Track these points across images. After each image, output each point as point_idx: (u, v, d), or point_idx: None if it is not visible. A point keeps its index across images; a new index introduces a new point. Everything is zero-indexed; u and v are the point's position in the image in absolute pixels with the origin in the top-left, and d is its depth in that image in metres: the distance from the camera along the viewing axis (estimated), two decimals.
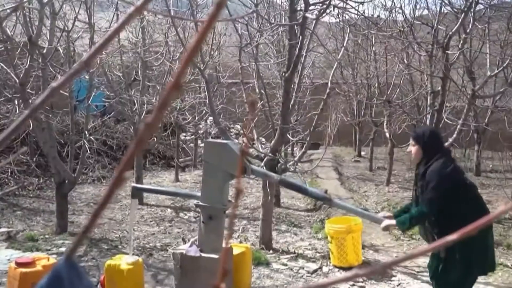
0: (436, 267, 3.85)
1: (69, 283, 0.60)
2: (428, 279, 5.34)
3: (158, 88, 9.62)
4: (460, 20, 7.25)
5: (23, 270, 4.22)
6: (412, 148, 4.00)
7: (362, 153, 15.19)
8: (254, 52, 7.13)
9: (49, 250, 6.10)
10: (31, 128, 6.29)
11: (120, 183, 0.50)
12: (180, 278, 4.57)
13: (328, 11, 6.27)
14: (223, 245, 4.57)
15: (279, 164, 6.43)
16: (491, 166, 13.02)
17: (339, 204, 4.82)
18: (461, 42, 7.86)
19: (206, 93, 6.93)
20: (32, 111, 0.74)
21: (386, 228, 4.14)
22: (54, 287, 0.59)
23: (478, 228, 0.63)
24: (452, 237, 0.63)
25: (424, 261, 5.67)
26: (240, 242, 6.29)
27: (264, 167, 6.35)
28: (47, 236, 6.81)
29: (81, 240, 0.57)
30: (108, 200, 0.51)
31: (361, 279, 5.40)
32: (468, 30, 7.84)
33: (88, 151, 8.57)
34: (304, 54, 6.74)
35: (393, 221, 4.02)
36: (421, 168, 3.91)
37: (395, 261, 0.60)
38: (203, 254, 4.49)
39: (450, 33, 7.46)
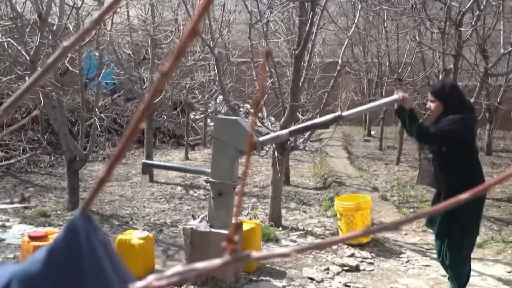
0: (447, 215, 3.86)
1: (85, 235, 0.61)
2: (436, 256, 5.38)
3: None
4: None
5: (36, 243, 4.29)
6: (432, 104, 3.85)
7: (372, 132, 15.13)
8: (264, 29, 7.08)
9: (61, 225, 6.19)
10: (42, 105, 6.32)
11: (137, 130, 0.50)
12: (190, 253, 4.63)
13: None
14: (233, 220, 4.60)
15: (288, 142, 6.43)
16: (502, 145, 12.94)
17: (350, 113, 4.60)
18: (475, 19, 7.74)
19: (216, 71, 6.91)
20: (45, 70, 0.74)
21: (403, 98, 3.91)
22: (70, 238, 0.60)
23: (489, 187, 0.64)
24: (464, 196, 0.63)
25: (432, 238, 5.70)
26: (250, 219, 6.33)
27: (274, 145, 6.35)
28: (59, 212, 6.90)
29: (97, 193, 0.58)
30: (125, 149, 0.52)
31: (370, 256, 5.44)
32: (482, 7, 7.71)
33: (99, 129, 8.61)
34: (315, 31, 6.68)
35: (409, 102, 3.90)
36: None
37: (406, 219, 0.60)
38: (213, 230, 4.54)
39: (464, 10, 7.33)
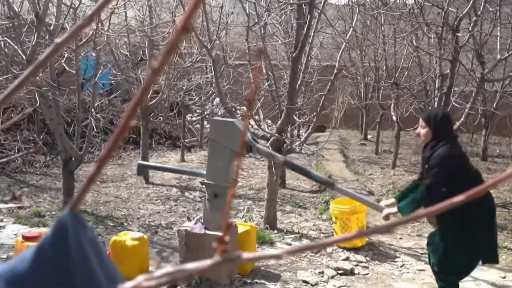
0: (441, 251, 3.85)
1: (73, 233, 0.60)
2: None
3: (165, 67, 9.58)
4: (471, 2, 7.15)
5: (30, 243, 4.26)
6: (422, 130, 3.92)
7: (369, 136, 15.14)
8: (262, 32, 7.08)
9: None
10: (38, 105, 6.30)
11: (128, 127, 0.50)
12: (185, 255, 4.62)
13: None
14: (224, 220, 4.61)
15: (285, 145, 6.43)
16: (498, 151, 12.97)
17: (341, 189, 4.83)
18: (472, 24, 7.76)
19: (213, 73, 6.90)
20: (37, 66, 0.73)
21: (387, 217, 4.12)
22: (59, 236, 0.59)
23: (484, 189, 0.63)
24: (459, 198, 0.62)
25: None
26: (245, 221, 6.32)
27: (270, 147, 6.35)
28: (53, 212, 6.87)
29: (86, 191, 0.57)
30: (115, 147, 0.51)
31: (364, 260, 5.43)
32: (479, 13, 7.73)
33: (95, 129, 8.58)
34: (312, 34, 6.68)
35: (394, 209, 4.02)
36: (428, 151, 3.86)
37: (399, 222, 0.60)
38: (207, 232, 4.53)
39: (461, 15, 7.35)
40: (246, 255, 0.56)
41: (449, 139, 3.83)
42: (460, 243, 3.74)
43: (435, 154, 3.77)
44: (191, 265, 0.57)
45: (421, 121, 3.98)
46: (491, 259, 3.96)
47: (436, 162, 3.74)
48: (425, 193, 3.74)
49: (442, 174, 3.71)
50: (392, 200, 4.33)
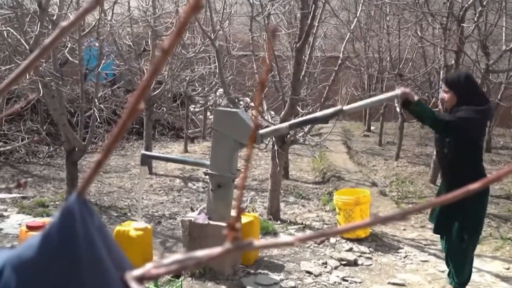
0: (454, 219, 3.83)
1: (81, 219, 0.59)
2: (435, 251, 5.38)
3: (169, 58, 9.55)
4: None
5: (34, 233, 4.26)
6: (445, 95, 3.80)
7: (372, 127, 15.09)
8: (266, 22, 7.04)
9: None
10: (41, 95, 6.29)
11: (136, 110, 0.48)
12: (188, 245, 4.62)
13: None
14: (234, 209, 4.59)
15: (288, 136, 6.41)
16: (502, 143, 12.92)
17: (351, 108, 4.55)
18: (477, 15, 7.71)
19: (217, 64, 6.88)
20: (43, 50, 0.72)
21: (405, 93, 3.83)
22: (66, 223, 0.58)
23: (498, 178, 0.62)
24: (474, 186, 0.61)
25: (431, 234, 5.70)
26: (248, 212, 6.32)
27: (274, 138, 6.34)
28: (57, 202, 6.89)
29: (93, 176, 0.56)
30: (123, 130, 0.50)
31: (368, 250, 5.43)
32: (484, 3, 7.67)
33: (98, 120, 8.58)
34: (316, 24, 6.64)
35: (413, 95, 3.83)
36: (453, 115, 3.76)
37: (414, 209, 0.58)
38: (211, 222, 4.53)
39: (466, 5, 7.30)
40: (257, 242, 0.55)
41: (475, 101, 3.70)
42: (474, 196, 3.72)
43: (459, 112, 3.68)
44: (200, 253, 0.56)
45: (443, 86, 3.87)
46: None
47: (459, 113, 3.65)
48: (445, 123, 3.66)
49: (471, 118, 3.62)
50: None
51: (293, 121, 4.83)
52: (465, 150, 3.74)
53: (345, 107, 4.42)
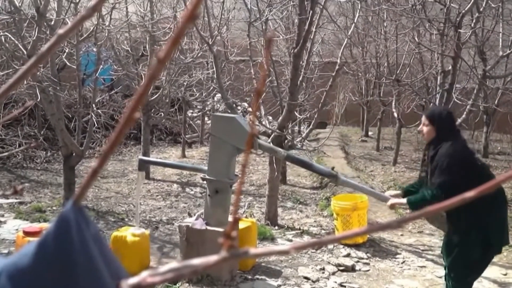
0: (454, 246, 3.79)
1: (76, 227, 0.59)
2: (432, 257, 5.38)
3: (167, 63, 9.55)
4: None
5: (31, 239, 4.25)
6: (424, 128, 3.85)
7: (370, 133, 15.12)
8: (263, 28, 7.06)
9: None
10: (38, 100, 6.28)
11: (133, 118, 0.48)
12: (186, 250, 4.61)
13: None
14: (230, 216, 4.58)
15: (286, 141, 6.41)
16: (499, 148, 12.95)
17: (345, 181, 4.79)
18: (474, 21, 7.73)
19: (214, 69, 6.88)
20: (39, 57, 0.72)
21: (393, 207, 4.10)
22: (62, 231, 0.58)
23: (494, 186, 0.62)
24: (470, 194, 0.61)
25: (429, 239, 5.71)
26: (246, 217, 6.31)
27: (271, 143, 6.33)
28: (54, 207, 6.87)
29: (89, 184, 0.56)
30: (119, 138, 0.50)
31: (365, 256, 5.43)
32: (481, 9, 7.70)
33: (96, 125, 8.57)
34: (314, 30, 6.66)
35: (401, 200, 3.95)
36: (431, 150, 3.78)
37: (410, 217, 0.58)
38: (209, 227, 4.52)
39: (463, 11, 7.33)
40: (253, 250, 0.55)
41: (453, 137, 3.78)
42: (472, 237, 3.66)
43: (440, 153, 3.71)
44: (197, 261, 0.56)
45: (424, 119, 3.91)
46: (501, 247, 3.90)
47: (443, 161, 3.67)
48: (440, 190, 3.65)
49: (451, 170, 3.64)
50: (398, 192, 4.28)
51: (292, 155, 5.05)
52: (466, 184, 3.71)
53: (340, 177, 4.72)
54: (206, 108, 12.67)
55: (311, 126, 6.92)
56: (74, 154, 6.74)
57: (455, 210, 3.62)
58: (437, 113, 3.90)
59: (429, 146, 3.87)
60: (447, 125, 3.80)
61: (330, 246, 5.62)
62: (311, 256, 5.41)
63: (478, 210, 3.56)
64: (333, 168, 5.24)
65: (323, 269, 5.05)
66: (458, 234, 3.73)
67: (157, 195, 8.02)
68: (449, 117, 3.91)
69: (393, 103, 11.06)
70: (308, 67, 7.52)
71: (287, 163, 9.68)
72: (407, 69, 10.63)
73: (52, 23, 6.25)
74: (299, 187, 9.06)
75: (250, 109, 13.41)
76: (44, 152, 10.13)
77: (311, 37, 6.63)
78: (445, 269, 3.98)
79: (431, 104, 8.66)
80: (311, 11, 5.78)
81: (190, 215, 6.34)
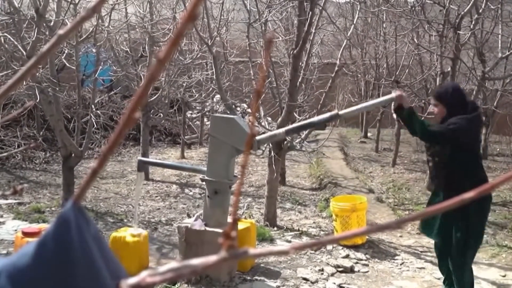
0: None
1: (76, 227, 0.59)
2: (431, 258, 5.38)
3: (166, 64, 9.55)
4: (472, 0, 7.13)
5: (30, 239, 4.25)
6: (435, 108, 3.80)
7: (369, 134, 15.12)
8: (263, 29, 7.06)
9: None
10: (38, 101, 6.28)
11: (132, 119, 0.48)
12: (185, 251, 4.61)
13: None
14: (230, 217, 4.58)
15: (285, 142, 6.41)
16: (498, 149, 12.96)
17: (347, 112, 4.55)
18: (473, 22, 7.74)
19: (214, 70, 6.89)
20: (39, 58, 0.72)
21: (400, 98, 3.86)
22: (61, 231, 0.58)
23: (495, 186, 0.62)
24: (469, 194, 0.61)
25: (428, 241, 5.70)
26: (245, 218, 6.31)
27: (270, 144, 6.34)
28: (53, 208, 6.87)
29: (89, 184, 0.56)
30: (119, 139, 0.50)
31: (364, 257, 5.43)
32: (480, 11, 7.71)
33: (95, 126, 8.57)
34: (313, 31, 6.67)
35: (406, 103, 3.84)
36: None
37: (409, 217, 0.58)
38: (208, 228, 4.52)
39: (462, 13, 7.34)
40: (252, 251, 0.55)
41: (464, 110, 3.71)
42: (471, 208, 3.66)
43: (452, 119, 3.68)
44: (196, 261, 0.56)
45: (432, 100, 3.86)
46: None
47: (454, 121, 3.65)
48: (437, 134, 3.65)
49: (459, 128, 3.60)
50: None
51: (289, 126, 4.84)
52: (459, 158, 3.73)
53: (341, 112, 4.45)
54: (206, 109, 12.67)
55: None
56: (73, 155, 6.73)
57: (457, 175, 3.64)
58: (443, 91, 3.85)
59: (442, 123, 3.81)
60: (456, 100, 3.75)
61: (329, 247, 5.62)
62: (310, 257, 5.41)
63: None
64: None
65: (322, 270, 5.05)
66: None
67: (156, 196, 8.02)
68: (456, 92, 3.84)
69: (392, 105, 11.06)
70: (308, 68, 7.52)
71: (287, 163, 9.68)
72: (406, 71, 10.64)
73: (52, 24, 6.26)
74: (298, 188, 9.06)
75: (249, 110, 13.41)
76: (43, 153, 10.12)
77: (311, 38, 6.63)
78: (442, 247, 3.97)
79: (430, 105, 8.65)
80: (310, 12, 5.79)
81: (189, 216, 6.34)
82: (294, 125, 4.85)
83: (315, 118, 4.58)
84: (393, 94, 3.98)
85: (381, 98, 4.49)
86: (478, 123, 3.88)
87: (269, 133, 4.98)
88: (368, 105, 4.81)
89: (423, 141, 3.98)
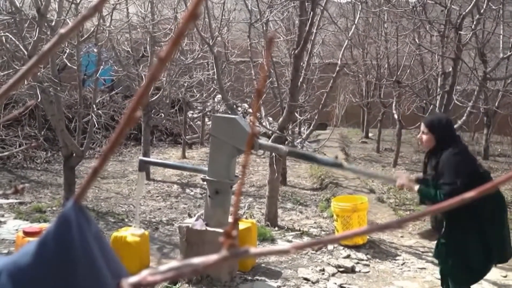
0: (452, 253, 3.75)
1: (77, 226, 0.59)
2: (432, 258, 5.36)
3: (167, 64, 9.56)
4: (474, 1, 7.12)
5: (31, 239, 4.25)
6: (424, 136, 3.79)
7: (370, 134, 15.12)
8: (264, 29, 7.06)
9: None
10: (39, 100, 6.29)
11: (133, 118, 0.48)
12: (186, 251, 4.61)
13: None
14: (231, 216, 4.59)
15: (286, 142, 6.41)
16: (499, 150, 12.95)
17: (351, 168, 4.65)
18: (474, 23, 7.73)
19: (215, 69, 6.89)
20: (41, 57, 0.72)
21: (401, 187, 3.87)
22: (62, 230, 0.58)
23: (494, 187, 0.62)
24: (470, 194, 0.61)
25: (428, 241, 5.70)
26: (246, 218, 6.31)
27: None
28: (54, 208, 6.87)
29: (90, 183, 0.56)
30: (120, 138, 0.50)
31: (365, 257, 5.43)
32: (482, 11, 7.70)
33: (96, 125, 8.57)
34: (314, 31, 6.66)
35: (413, 185, 3.76)
36: (433, 159, 3.72)
37: (410, 217, 0.58)
38: (208, 228, 4.52)
39: (464, 13, 7.33)
40: (253, 250, 0.55)
41: (454, 144, 3.72)
42: (472, 243, 3.64)
43: (443, 160, 3.64)
44: (197, 260, 0.56)
45: (423, 127, 3.86)
46: (505, 257, 3.84)
47: (448, 168, 3.61)
48: (449, 194, 3.60)
49: (458, 176, 3.58)
50: (412, 176, 4.11)
51: (293, 149, 4.95)
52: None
53: (345, 165, 4.58)
54: (207, 109, 12.68)
55: (311, 127, 6.92)
56: (74, 154, 6.74)
57: (455, 211, 3.60)
58: (436, 121, 3.84)
59: (429, 154, 3.81)
60: (447, 133, 3.75)
61: (330, 247, 5.62)
62: (311, 257, 5.41)
63: (479, 215, 3.55)
64: (336, 157, 5.20)
65: (323, 270, 5.05)
66: (456, 237, 3.68)
67: (157, 196, 8.02)
68: (449, 125, 3.84)
69: (394, 105, 11.07)
70: (309, 68, 7.52)
71: (288, 164, 9.69)
72: (408, 71, 10.64)
73: (53, 23, 6.26)
74: (299, 188, 9.06)
75: (250, 110, 13.42)
76: (44, 153, 10.13)
77: (312, 38, 6.63)
78: (441, 272, 3.95)
79: (431, 106, 8.66)
80: (311, 12, 5.78)
81: (190, 216, 6.34)
82: (299, 151, 5.08)
83: (320, 157, 4.82)
84: (396, 179, 3.96)
85: (386, 176, 4.64)
86: (466, 152, 3.86)
87: (272, 144, 5.06)
88: (372, 174, 4.94)
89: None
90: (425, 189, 3.73)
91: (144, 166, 5.14)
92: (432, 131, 3.75)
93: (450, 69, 7.80)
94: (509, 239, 3.79)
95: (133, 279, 0.55)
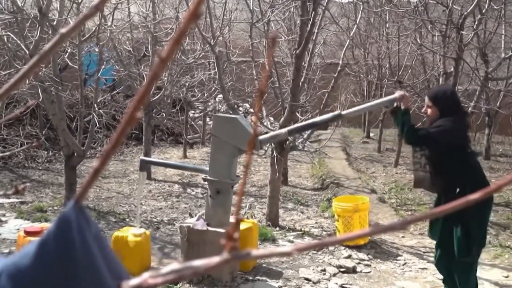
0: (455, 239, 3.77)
1: (77, 227, 0.58)
2: (433, 259, 5.35)
3: (168, 64, 9.56)
4: (475, 1, 7.11)
5: (32, 238, 4.25)
6: (429, 110, 3.80)
7: (371, 134, 15.11)
8: (265, 29, 7.06)
9: None
10: (40, 100, 6.29)
11: (134, 118, 0.48)
12: (187, 251, 4.61)
13: None
14: (232, 217, 4.58)
15: (287, 142, 6.41)
16: (501, 150, 12.93)
17: (350, 112, 4.56)
18: (476, 23, 7.73)
19: (216, 69, 6.88)
20: (42, 56, 0.72)
21: (402, 96, 3.88)
22: (62, 231, 0.58)
23: (499, 188, 0.61)
24: (474, 196, 0.60)
25: (430, 242, 5.68)
26: (247, 218, 6.30)
27: (273, 144, 6.34)
28: (55, 207, 6.87)
29: (91, 184, 0.55)
30: (121, 138, 0.49)
31: (367, 258, 5.42)
32: (483, 11, 7.69)
33: (97, 125, 8.57)
34: (316, 31, 6.66)
35: (408, 102, 3.86)
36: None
37: (414, 218, 0.58)
38: (210, 228, 4.52)
39: (465, 13, 7.32)
40: (255, 252, 0.54)
41: (454, 116, 3.72)
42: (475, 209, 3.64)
43: (437, 123, 3.70)
44: (198, 262, 0.55)
45: (427, 100, 3.85)
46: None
47: (438, 126, 3.67)
48: (424, 135, 3.67)
49: (441, 134, 3.62)
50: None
51: (292, 126, 4.83)
52: (449, 160, 3.72)
53: (344, 112, 4.45)
54: (208, 109, 12.67)
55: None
56: (75, 154, 6.74)
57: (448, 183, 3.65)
58: (440, 93, 3.84)
59: (431, 126, 3.81)
60: (451, 104, 3.75)
61: (331, 248, 5.61)
62: (312, 258, 5.40)
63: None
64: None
65: (324, 270, 5.04)
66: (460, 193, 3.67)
67: (158, 196, 8.02)
68: (452, 96, 3.85)
69: (395, 105, 11.05)
70: (310, 68, 7.51)
71: (289, 163, 9.68)
72: (409, 71, 10.63)
73: (55, 23, 6.26)
74: (301, 188, 9.05)
75: (251, 109, 13.40)
76: (46, 152, 10.14)
77: (313, 38, 6.62)
78: (439, 248, 3.96)
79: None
80: (313, 12, 5.78)
81: (191, 216, 6.34)
82: (297, 125, 4.84)
83: (318, 118, 4.58)
84: (396, 94, 3.98)
85: (384, 98, 4.50)
86: (463, 123, 3.87)
87: (271, 133, 4.96)
88: (371, 105, 4.81)
89: (408, 143, 3.97)
90: (407, 116, 3.77)
91: (145, 166, 5.13)
92: (436, 103, 3.75)
93: (452, 69, 7.80)
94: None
95: (134, 281, 0.55)
